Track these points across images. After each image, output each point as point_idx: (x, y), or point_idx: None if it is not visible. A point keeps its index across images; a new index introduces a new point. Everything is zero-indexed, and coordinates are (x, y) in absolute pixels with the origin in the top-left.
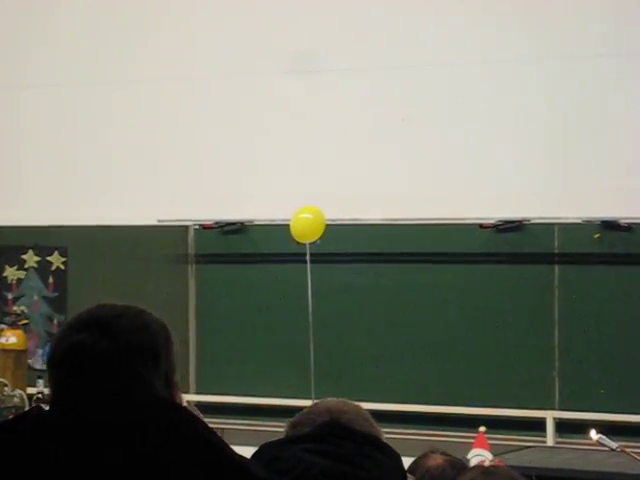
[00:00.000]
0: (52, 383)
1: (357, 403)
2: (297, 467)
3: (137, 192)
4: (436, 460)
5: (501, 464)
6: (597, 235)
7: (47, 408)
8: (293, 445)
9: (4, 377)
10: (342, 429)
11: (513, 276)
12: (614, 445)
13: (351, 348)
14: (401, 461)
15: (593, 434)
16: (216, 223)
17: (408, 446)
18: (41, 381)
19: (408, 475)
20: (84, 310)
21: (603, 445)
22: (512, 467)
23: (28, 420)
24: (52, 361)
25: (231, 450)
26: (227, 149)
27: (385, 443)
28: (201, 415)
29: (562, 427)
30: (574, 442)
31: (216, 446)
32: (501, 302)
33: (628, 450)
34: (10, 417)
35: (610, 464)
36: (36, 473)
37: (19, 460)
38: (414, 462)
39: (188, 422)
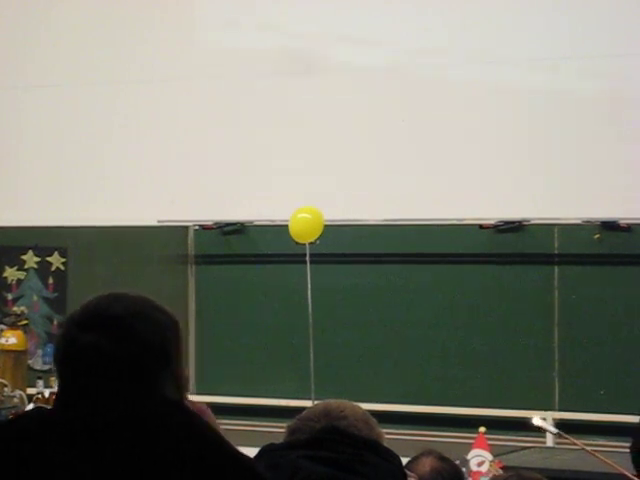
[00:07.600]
0: (59, 381)
1: (357, 404)
2: (296, 475)
3: (137, 192)
4: (426, 466)
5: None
6: (597, 235)
7: (50, 407)
8: (292, 451)
9: (4, 378)
10: (341, 435)
11: (513, 276)
12: (554, 430)
13: (351, 348)
14: (401, 464)
15: (535, 420)
16: (216, 224)
17: (408, 447)
18: (41, 382)
19: (408, 473)
20: (91, 303)
21: (545, 430)
22: (512, 468)
23: (29, 420)
24: (57, 360)
25: (238, 452)
26: (227, 149)
27: (385, 447)
28: (212, 415)
29: (562, 428)
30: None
31: (223, 448)
32: (501, 302)
33: (590, 449)
34: (10, 418)
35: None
36: (36, 473)
37: (18, 460)
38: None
39: (194, 424)
